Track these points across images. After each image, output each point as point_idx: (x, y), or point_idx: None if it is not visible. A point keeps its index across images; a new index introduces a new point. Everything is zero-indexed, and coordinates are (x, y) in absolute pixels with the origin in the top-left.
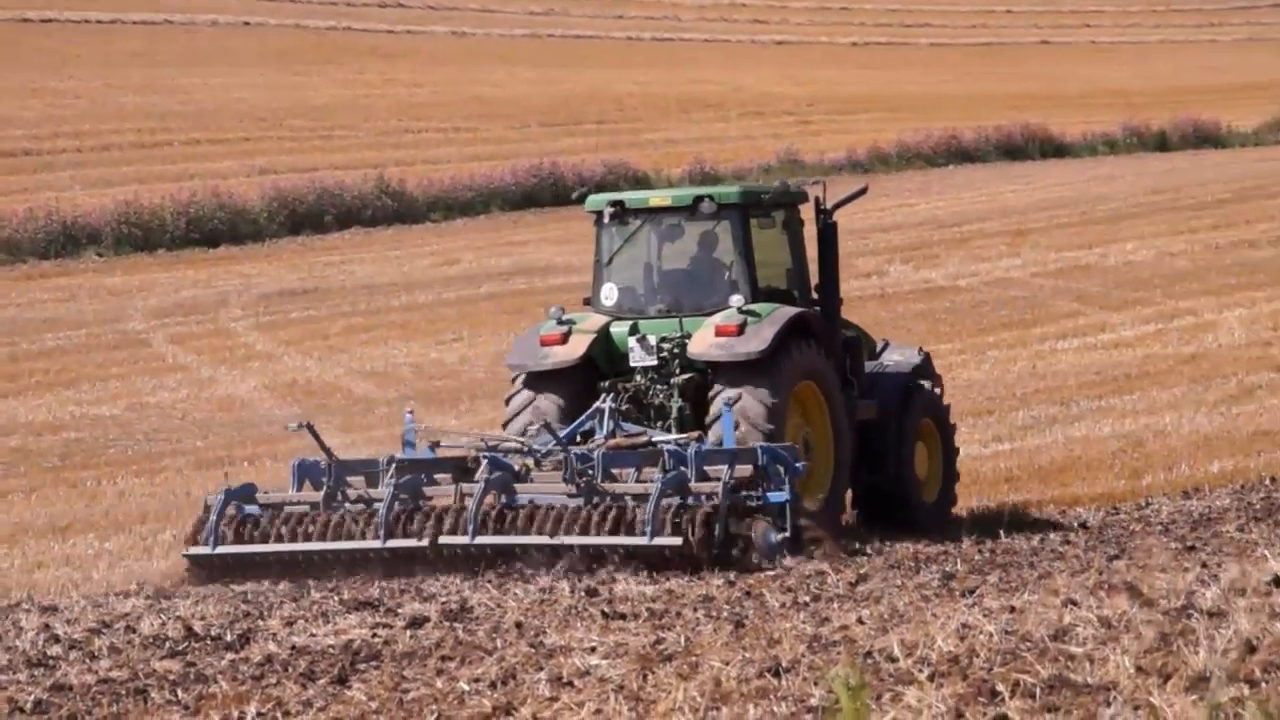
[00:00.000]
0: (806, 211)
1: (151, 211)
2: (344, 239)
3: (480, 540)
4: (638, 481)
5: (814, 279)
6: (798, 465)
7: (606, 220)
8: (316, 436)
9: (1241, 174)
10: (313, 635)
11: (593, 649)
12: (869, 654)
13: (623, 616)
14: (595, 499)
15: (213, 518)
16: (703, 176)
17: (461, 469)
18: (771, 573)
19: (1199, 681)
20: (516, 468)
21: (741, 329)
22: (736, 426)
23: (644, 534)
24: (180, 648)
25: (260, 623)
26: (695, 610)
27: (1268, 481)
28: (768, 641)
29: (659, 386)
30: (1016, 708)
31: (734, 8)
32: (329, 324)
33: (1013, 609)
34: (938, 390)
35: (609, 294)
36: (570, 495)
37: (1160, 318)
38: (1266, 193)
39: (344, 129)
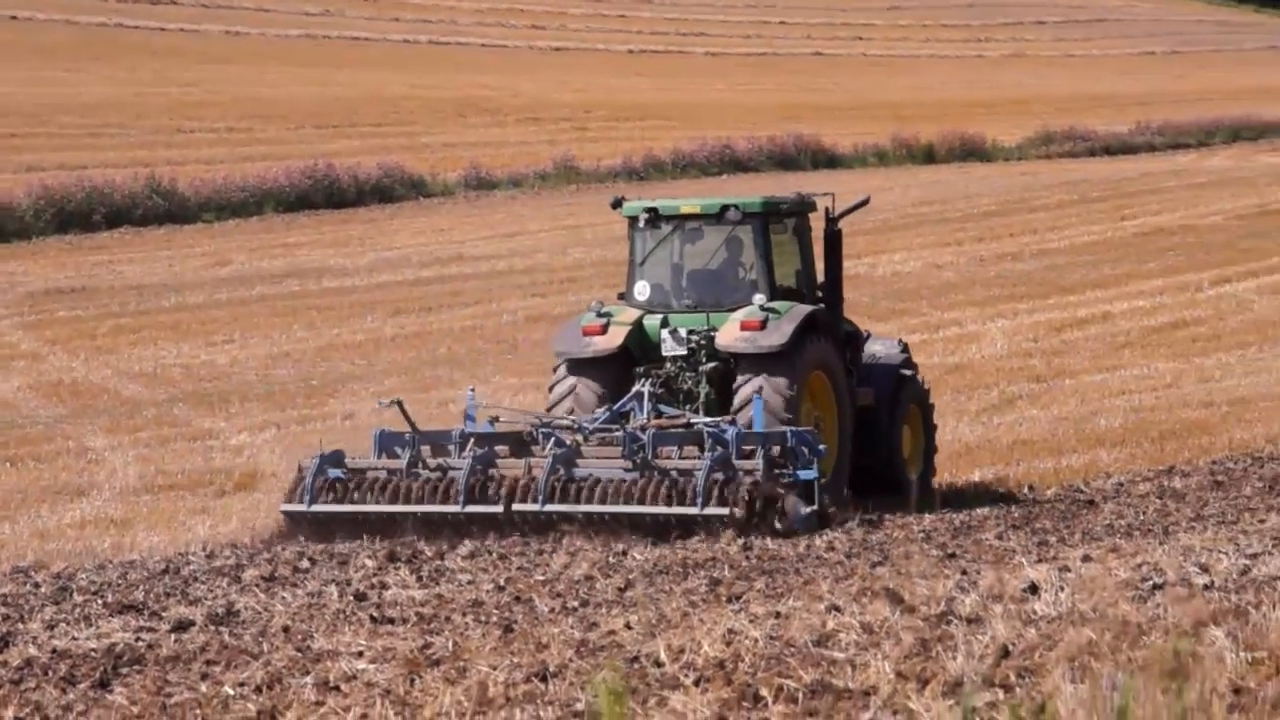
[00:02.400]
0: (815, 220)
1: None
2: (113, 238)
3: (550, 508)
4: (681, 458)
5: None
6: (820, 448)
7: (641, 225)
8: (405, 412)
9: (1006, 187)
10: (74, 639)
11: (360, 653)
12: (636, 659)
13: (391, 621)
14: (649, 473)
15: (308, 478)
16: (478, 181)
17: (519, 442)
18: (542, 578)
19: (956, 686)
20: (568, 442)
21: (764, 324)
22: None
23: (695, 504)
24: None
25: (20, 625)
26: (464, 615)
27: (1026, 490)
28: (536, 646)
29: (688, 374)
30: (779, 712)
31: (512, 13)
32: (96, 324)
33: (778, 615)
34: (920, 378)
35: (642, 290)
36: (626, 470)
37: (926, 328)
38: (1029, 206)
39: (114, 127)
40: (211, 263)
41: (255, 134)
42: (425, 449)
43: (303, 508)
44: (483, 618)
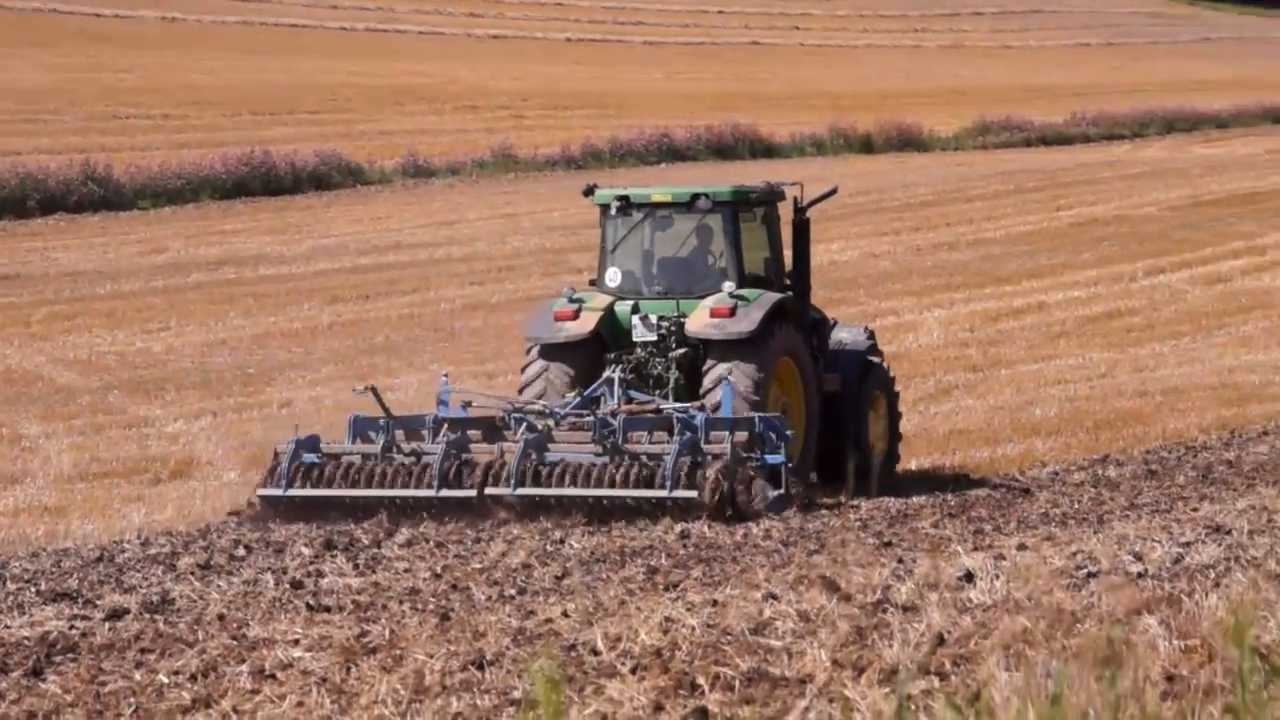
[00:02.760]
0: (784, 209)
1: None
2: (48, 225)
3: (521, 492)
4: (651, 443)
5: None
6: (788, 433)
7: (613, 212)
8: (379, 398)
9: (942, 177)
10: (7, 627)
11: (296, 641)
12: (573, 647)
13: (327, 609)
14: (619, 458)
15: (284, 464)
16: (416, 169)
17: (491, 427)
18: (479, 566)
19: (892, 674)
20: (539, 427)
21: (733, 311)
22: None
23: (664, 488)
24: None
25: None
26: (401, 603)
27: (963, 478)
28: (473, 634)
29: (658, 359)
30: (716, 700)
31: (449, 1)
32: (30, 311)
33: (715, 603)
34: (886, 365)
35: (613, 277)
36: (596, 455)
37: (863, 317)
38: (965, 196)
39: (49, 113)
40: (147, 250)
41: (191, 121)
42: (399, 434)
43: (279, 492)
44: (419, 606)
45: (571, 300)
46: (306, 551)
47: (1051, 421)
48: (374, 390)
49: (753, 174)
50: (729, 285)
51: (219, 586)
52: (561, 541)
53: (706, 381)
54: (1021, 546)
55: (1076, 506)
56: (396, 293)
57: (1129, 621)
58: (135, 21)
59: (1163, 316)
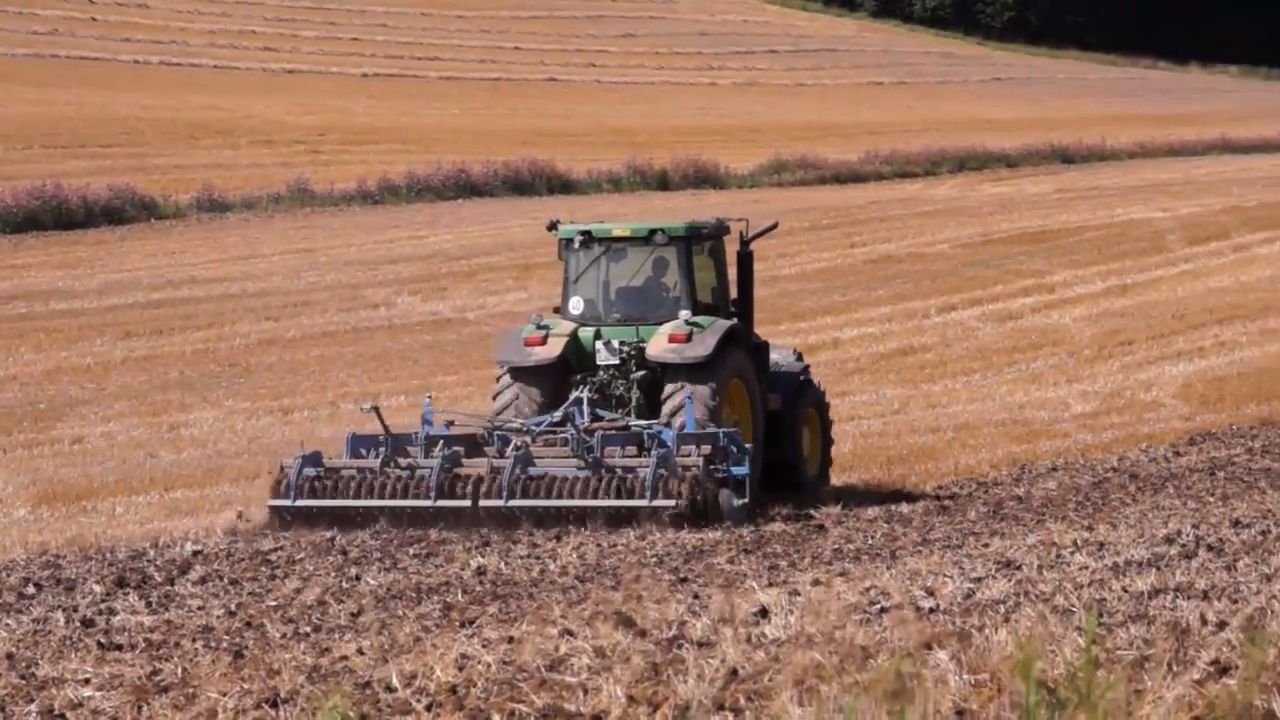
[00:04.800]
0: (729, 243)
1: None
2: None
3: (513, 503)
4: (624, 458)
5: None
6: (747, 446)
7: (576, 246)
8: (380, 417)
9: (738, 215)
10: None
11: (87, 680)
12: (368, 684)
13: (119, 647)
14: (600, 471)
15: (292, 476)
16: (211, 203)
17: (473, 444)
18: (274, 603)
19: (686, 710)
20: (516, 443)
21: (689, 337)
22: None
23: (644, 497)
24: None
25: None
26: (194, 641)
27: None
28: (267, 672)
29: (619, 381)
30: None
31: (244, 35)
32: None
33: (511, 639)
34: (817, 383)
35: (576, 305)
36: (579, 468)
37: None
38: None
39: None
40: None
41: None
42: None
43: (288, 502)
44: (213, 644)
45: (539, 327)
46: (98, 589)
47: (846, 457)
48: (377, 410)
49: (549, 210)
50: (685, 313)
51: (7, 625)
52: (357, 578)
53: (669, 404)
54: (816, 582)
55: (870, 542)
56: (191, 328)
57: (919, 655)
58: None
59: (954, 353)
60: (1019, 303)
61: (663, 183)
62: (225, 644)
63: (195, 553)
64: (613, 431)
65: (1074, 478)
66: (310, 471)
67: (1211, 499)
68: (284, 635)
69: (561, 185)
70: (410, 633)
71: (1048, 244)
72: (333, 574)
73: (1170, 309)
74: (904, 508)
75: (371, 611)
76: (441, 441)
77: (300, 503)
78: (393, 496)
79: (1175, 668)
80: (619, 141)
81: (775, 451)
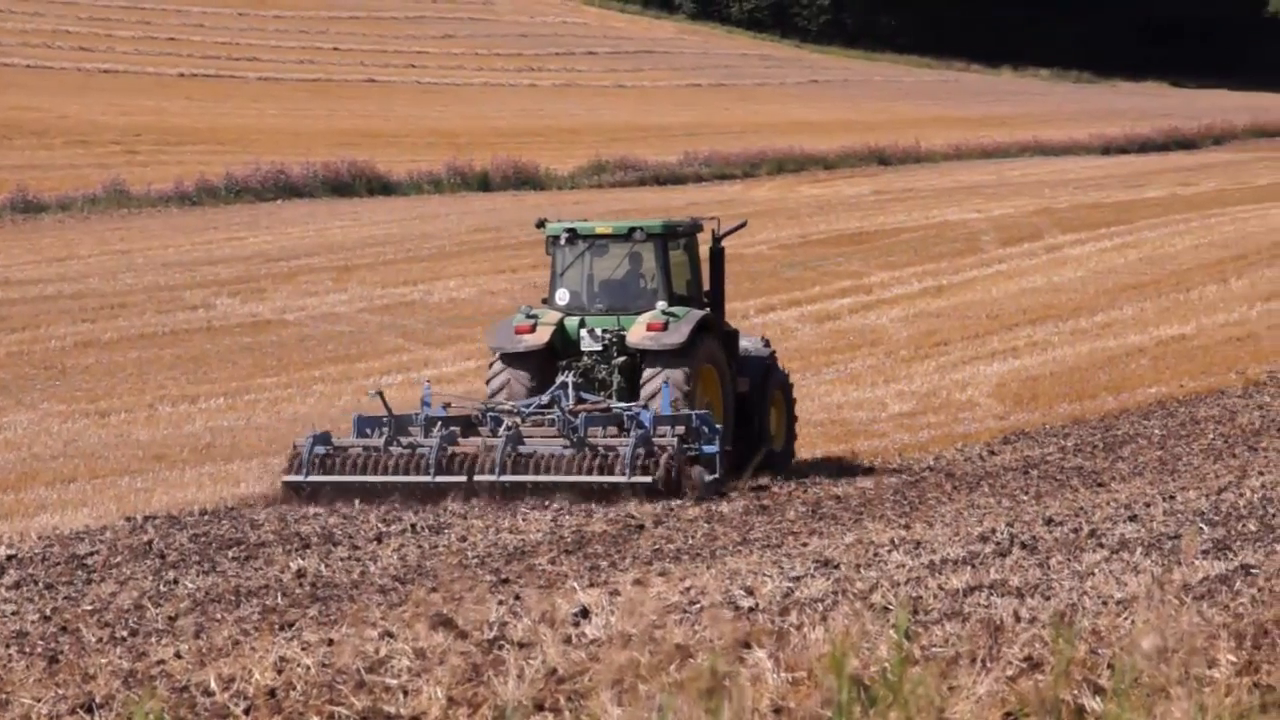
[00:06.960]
0: (702, 239)
1: None
2: None
3: (505, 478)
4: (605, 437)
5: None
6: (717, 426)
7: (562, 242)
8: (384, 400)
9: (559, 215)
10: None
11: None
12: (185, 688)
13: None
14: (584, 449)
15: (304, 454)
16: (25, 204)
17: (468, 424)
18: (90, 607)
19: (505, 711)
20: (508, 424)
21: (666, 326)
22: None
23: (624, 474)
24: None
25: None
26: (7, 646)
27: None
28: (82, 677)
29: (602, 366)
30: None
31: (58, 34)
32: None
33: (330, 642)
34: (782, 367)
35: (562, 296)
36: (565, 447)
37: (480, 354)
38: None
39: None
40: None
41: None
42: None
43: (301, 478)
44: (27, 649)
45: (528, 316)
46: None
47: None
48: (381, 395)
49: (369, 211)
50: (661, 304)
51: None
52: (175, 582)
53: (648, 387)
54: (637, 582)
55: (690, 542)
56: (5, 330)
57: (734, 653)
58: None
59: None
60: (837, 304)
61: (484, 184)
62: (40, 649)
63: (9, 557)
64: (595, 413)
65: (891, 477)
66: (320, 450)
67: (1025, 497)
68: (100, 640)
69: (382, 186)
70: (228, 636)
71: (865, 245)
72: (150, 577)
73: (984, 309)
74: (724, 507)
75: (189, 615)
76: (440, 422)
77: (312, 478)
78: (396, 472)
79: (988, 664)
80: (439, 143)
81: (745, 430)
